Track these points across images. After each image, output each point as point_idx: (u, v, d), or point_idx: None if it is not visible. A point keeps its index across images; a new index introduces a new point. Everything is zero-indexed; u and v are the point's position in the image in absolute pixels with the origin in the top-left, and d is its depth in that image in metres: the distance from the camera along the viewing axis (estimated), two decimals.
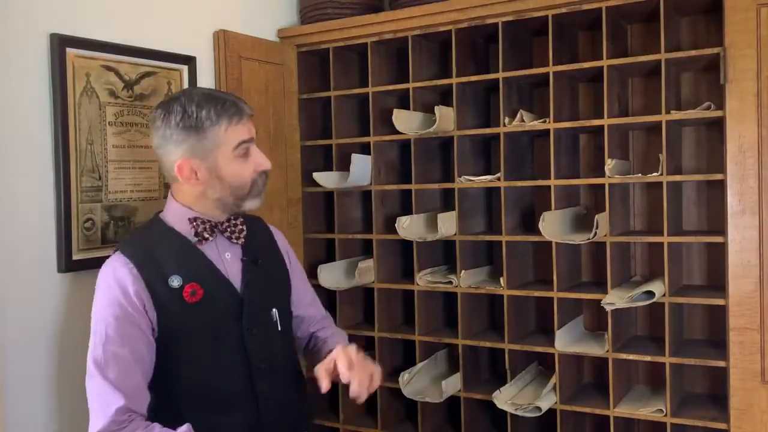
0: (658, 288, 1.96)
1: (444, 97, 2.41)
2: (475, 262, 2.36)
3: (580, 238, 2.02)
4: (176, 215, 1.56)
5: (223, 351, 1.51)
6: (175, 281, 1.48)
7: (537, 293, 2.18)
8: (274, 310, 1.62)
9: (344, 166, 2.40)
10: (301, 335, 1.81)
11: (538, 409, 2.06)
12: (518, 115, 2.16)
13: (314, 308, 1.84)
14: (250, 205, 1.59)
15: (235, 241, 1.59)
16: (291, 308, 1.72)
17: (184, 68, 2.14)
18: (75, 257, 1.82)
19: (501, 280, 2.19)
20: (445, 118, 2.22)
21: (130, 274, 1.46)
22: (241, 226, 1.61)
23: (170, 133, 1.50)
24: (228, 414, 1.51)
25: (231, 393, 1.52)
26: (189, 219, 1.54)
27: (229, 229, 1.59)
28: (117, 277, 1.46)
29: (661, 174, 1.98)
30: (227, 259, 1.58)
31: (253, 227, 1.67)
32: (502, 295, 2.21)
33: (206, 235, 1.54)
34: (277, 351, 1.61)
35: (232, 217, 1.60)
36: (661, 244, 2.00)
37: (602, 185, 2.08)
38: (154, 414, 1.46)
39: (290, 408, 1.64)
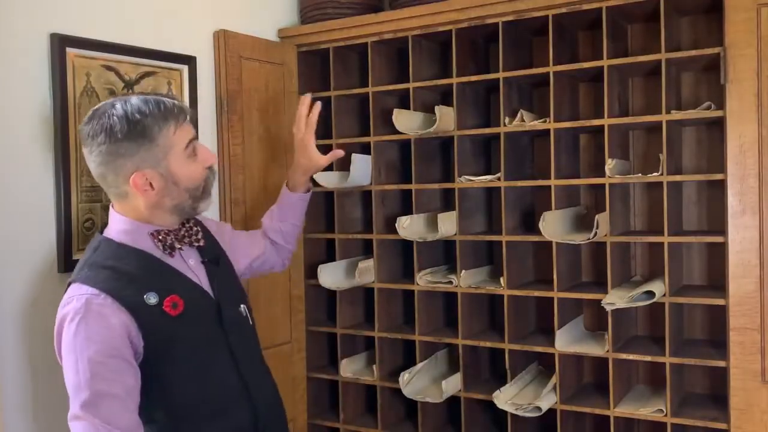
0: (658, 288, 1.96)
1: (444, 97, 2.41)
2: (475, 262, 2.36)
3: (580, 238, 2.01)
4: (131, 233, 1.47)
5: (212, 356, 1.50)
6: (152, 298, 1.42)
7: (537, 293, 2.18)
8: (242, 306, 1.62)
9: (344, 166, 2.40)
10: (263, 250, 1.89)
11: (539, 409, 2.06)
12: (518, 115, 2.16)
13: (254, 237, 1.91)
14: (204, 207, 1.54)
15: (196, 243, 1.55)
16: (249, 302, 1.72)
17: (184, 68, 2.14)
18: (75, 257, 1.82)
19: (501, 280, 2.19)
20: (446, 118, 2.22)
21: (106, 305, 1.38)
22: (196, 228, 1.57)
23: (117, 145, 1.40)
24: (228, 418, 1.50)
25: (228, 395, 1.51)
26: (151, 234, 1.48)
27: (187, 234, 1.54)
28: (94, 311, 1.38)
29: (662, 174, 1.98)
30: (192, 265, 1.54)
31: (200, 226, 1.62)
32: (502, 295, 2.21)
33: (176, 246, 1.49)
34: (254, 346, 1.63)
35: (185, 222, 1.55)
36: (662, 244, 2.00)
37: (602, 185, 2.08)
38: (148, 413, 1.44)
39: (275, 401, 1.65)
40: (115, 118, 1.40)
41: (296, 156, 1.96)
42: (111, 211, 1.51)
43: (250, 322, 1.64)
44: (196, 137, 1.51)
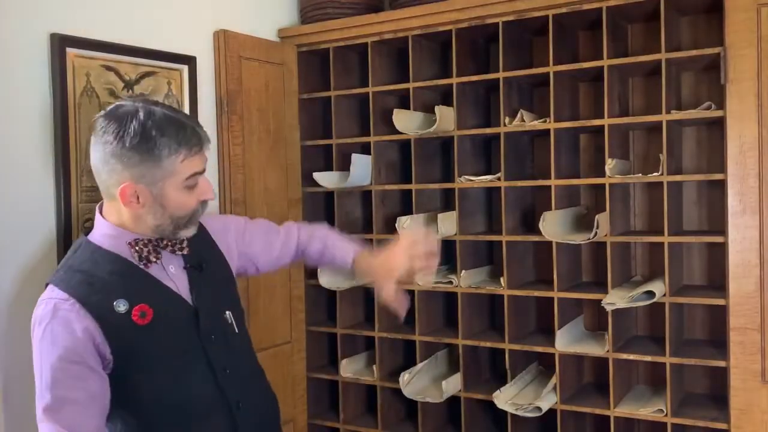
0: (658, 288, 1.96)
1: (444, 97, 2.41)
2: (475, 262, 2.36)
3: (580, 238, 2.01)
4: (111, 238, 1.45)
5: (186, 365, 1.47)
6: (122, 306, 1.41)
7: (537, 293, 2.18)
8: (227, 312, 1.57)
9: (344, 166, 2.40)
10: (287, 261, 1.83)
11: (539, 409, 2.06)
12: (518, 115, 2.16)
13: (277, 237, 1.81)
14: (185, 234, 1.49)
15: (179, 252, 1.51)
16: (242, 306, 1.68)
17: (184, 68, 2.14)
18: None
19: (501, 280, 2.19)
20: (446, 118, 2.22)
21: (72, 310, 1.37)
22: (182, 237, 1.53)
23: (122, 152, 1.37)
24: (204, 426, 1.48)
25: (203, 404, 1.49)
26: (129, 243, 1.45)
27: (170, 244, 1.50)
28: (59, 316, 1.37)
29: (662, 174, 1.98)
30: (172, 272, 1.51)
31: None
32: (502, 295, 2.21)
33: (152, 259, 1.47)
34: (239, 353, 1.58)
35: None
36: (662, 244, 2.00)
37: (602, 185, 2.08)
38: (125, 423, 1.44)
39: (262, 407, 1.61)
40: (132, 126, 1.38)
41: (381, 266, 1.70)
42: (96, 213, 1.49)
43: (236, 330, 1.59)
44: (203, 170, 1.46)
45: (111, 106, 1.44)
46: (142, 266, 1.46)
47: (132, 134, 1.37)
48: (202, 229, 1.63)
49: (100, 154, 1.41)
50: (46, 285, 1.43)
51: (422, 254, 1.64)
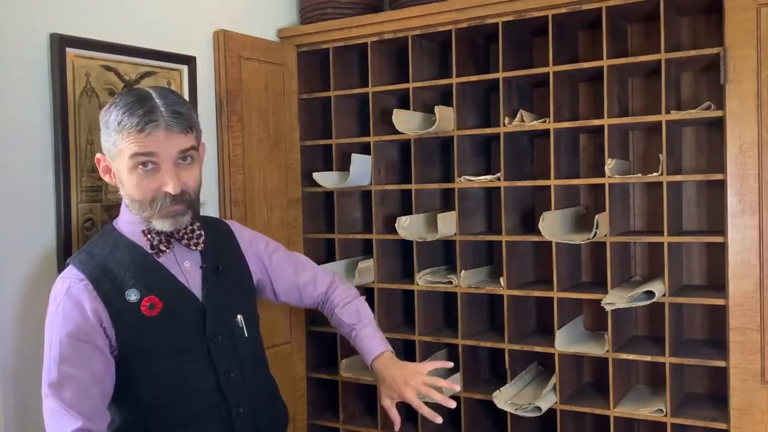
0: (658, 288, 1.96)
1: (444, 97, 2.41)
2: (475, 262, 2.36)
3: (580, 238, 2.01)
4: (130, 225, 1.49)
5: (188, 363, 1.47)
6: (133, 295, 1.42)
7: (537, 293, 2.18)
8: (239, 316, 1.57)
9: (344, 166, 2.40)
10: (308, 302, 1.85)
11: (538, 409, 2.06)
12: (518, 115, 2.16)
13: (306, 272, 1.83)
14: (158, 225, 1.46)
15: (194, 248, 1.52)
16: (257, 312, 1.68)
17: (184, 68, 2.14)
18: None
19: (501, 280, 2.19)
20: (445, 118, 2.22)
21: (85, 290, 1.40)
22: (198, 231, 1.52)
23: (101, 121, 1.47)
24: (200, 427, 1.48)
25: (201, 405, 1.49)
26: (143, 231, 1.47)
27: (186, 236, 1.50)
28: (72, 294, 1.40)
29: (661, 174, 1.98)
30: (186, 267, 1.52)
31: (212, 232, 1.60)
32: (502, 295, 2.21)
33: (162, 248, 1.48)
34: (247, 358, 1.57)
35: (188, 224, 1.51)
36: (661, 244, 2.00)
37: (602, 185, 2.08)
38: (124, 421, 1.45)
39: (264, 415, 1.60)
40: (116, 97, 1.45)
41: (389, 381, 1.76)
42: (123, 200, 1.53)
43: (246, 334, 1.58)
44: (149, 154, 1.40)
45: None
46: (154, 256, 1.48)
47: (108, 104, 1.46)
48: (229, 236, 1.67)
49: None
50: (67, 264, 1.48)
51: (426, 389, 1.73)
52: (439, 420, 1.69)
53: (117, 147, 1.42)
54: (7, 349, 1.71)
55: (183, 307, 1.49)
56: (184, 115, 1.44)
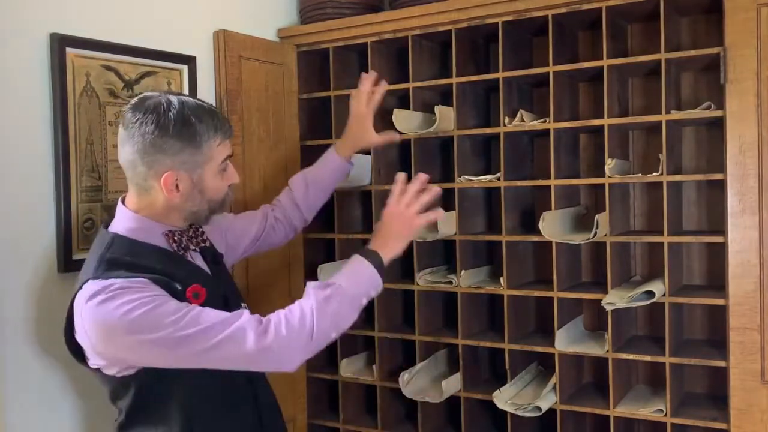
0: (658, 288, 1.96)
1: (444, 97, 2.41)
2: (475, 262, 2.36)
3: (580, 238, 2.01)
4: (144, 231, 1.45)
5: None
6: (178, 285, 1.42)
7: (537, 293, 2.18)
8: (243, 305, 1.62)
9: None
10: (257, 227, 1.89)
11: (538, 409, 2.06)
12: (518, 115, 2.16)
13: (251, 217, 1.92)
14: (217, 219, 1.61)
15: (203, 244, 1.57)
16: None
17: (184, 68, 2.14)
18: (75, 257, 1.82)
19: (501, 280, 2.19)
20: (445, 118, 2.22)
21: (146, 282, 1.35)
22: (201, 229, 1.58)
23: (164, 140, 1.38)
24: (238, 417, 1.51)
25: (237, 395, 1.52)
26: (164, 234, 1.46)
27: (194, 235, 1.55)
28: (133, 286, 1.33)
29: (661, 174, 1.98)
30: (199, 264, 1.56)
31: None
32: (502, 295, 2.21)
33: (191, 246, 1.52)
34: None
35: (192, 224, 1.55)
36: (661, 244, 2.00)
37: (602, 185, 2.08)
38: (163, 423, 1.43)
39: (277, 403, 1.66)
40: (171, 113, 1.39)
41: (351, 127, 1.99)
42: (120, 206, 1.47)
43: None
44: (231, 155, 1.53)
45: (136, 99, 1.45)
46: (180, 254, 1.49)
47: (173, 121, 1.39)
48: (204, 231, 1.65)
49: (140, 146, 1.40)
50: (85, 282, 1.36)
51: (362, 91, 1.93)
52: (397, 137, 2.02)
53: (206, 156, 1.44)
54: (7, 349, 1.71)
55: (216, 296, 1.51)
56: None
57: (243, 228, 1.86)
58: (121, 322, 1.30)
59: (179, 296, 1.41)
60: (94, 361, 1.41)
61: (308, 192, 1.98)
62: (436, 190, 1.69)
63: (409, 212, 1.64)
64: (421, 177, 1.67)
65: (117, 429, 1.48)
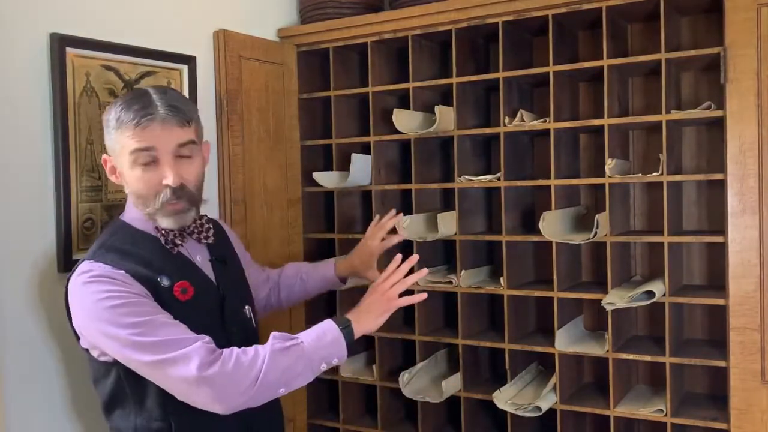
0: (658, 288, 1.96)
1: (444, 96, 2.41)
2: (475, 262, 2.36)
3: (580, 238, 2.01)
4: (141, 221, 1.52)
5: None
6: (165, 281, 1.44)
7: (537, 293, 2.18)
8: (247, 307, 1.63)
9: (344, 165, 2.40)
10: (263, 293, 1.91)
11: (538, 409, 2.06)
12: (518, 115, 2.16)
13: (264, 272, 1.95)
14: (163, 223, 1.50)
15: (204, 241, 1.57)
16: (255, 306, 1.75)
17: (184, 68, 2.14)
18: (75, 257, 1.82)
19: (501, 280, 2.19)
20: (445, 118, 2.22)
21: (126, 276, 1.40)
22: (207, 225, 1.58)
23: (103, 120, 1.50)
24: (219, 420, 1.47)
25: None
26: (155, 227, 1.50)
27: (196, 231, 1.56)
28: (112, 278, 1.39)
29: (662, 174, 1.98)
30: (199, 261, 1.57)
31: (214, 228, 1.65)
32: (502, 295, 2.21)
33: (177, 242, 1.52)
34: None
35: (197, 219, 1.57)
36: (662, 243, 2.00)
37: (602, 185, 2.08)
38: (141, 413, 1.45)
39: (270, 408, 1.61)
40: (118, 100, 1.48)
41: (356, 257, 1.98)
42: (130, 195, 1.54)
43: (254, 325, 1.66)
44: (148, 148, 1.43)
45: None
46: (168, 247, 1.50)
47: (110, 106, 1.49)
48: (222, 231, 1.72)
49: None
50: (83, 261, 1.45)
51: (384, 226, 1.95)
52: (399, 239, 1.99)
53: (118, 144, 1.46)
54: (7, 349, 1.71)
55: (207, 294, 1.52)
56: (181, 109, 1.47)
57: (256, 284, 1.86)
58: (94, 307, 1.37)
59: (163, 292, 1.43)
60: (82, 340, 1.47)
61: (296, 283, 1.97)
62: (423, 271, 1.72)
63: (391, 293, 1.59)
64: (413, 259, 1.66)
65: (102, 409, 1.54)
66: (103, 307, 1.36)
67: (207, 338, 1.38)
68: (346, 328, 1.49)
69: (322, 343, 1.44)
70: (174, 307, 1.44)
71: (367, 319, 1.55)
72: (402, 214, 2.08)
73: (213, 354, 1.35)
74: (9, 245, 1.71)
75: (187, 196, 1.49)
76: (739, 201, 1.86)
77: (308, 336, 1.45)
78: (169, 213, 1.48)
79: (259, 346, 1.40)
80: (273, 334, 1.43)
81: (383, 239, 1.98)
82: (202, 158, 1.55)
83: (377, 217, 2.11)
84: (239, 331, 1.58)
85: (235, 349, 1.38)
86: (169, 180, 1.44)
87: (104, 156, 1.52)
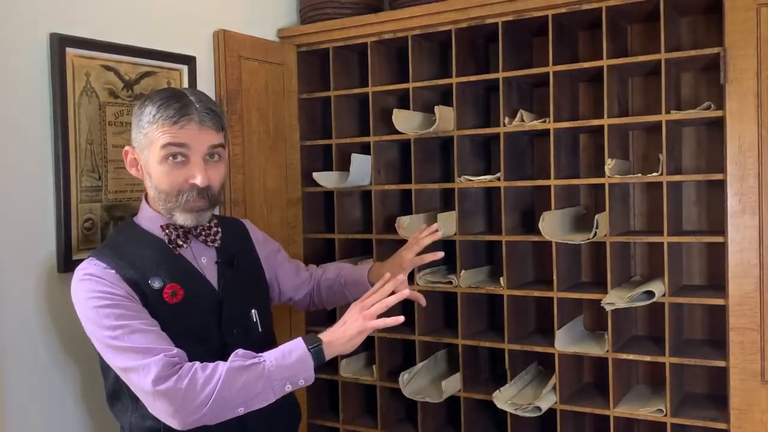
0: (658, 288, 1.96)
1: (444, 97, 2.41)
2: (475, 262, 2.36)
3: (580, 238, 2.01)
4: (150, 220, 1.55)
5: (203, 354, 1.47)
6: (156, 282, 1.46)
7: (537, 293, 2.18)
8: (253, 310, 1.62)
9: (344, 166, 2.40)
10: (302, 295, 1.89)
11: (538, 409, 2.06)
12: (518, 115, 2.16)
13: (303, 272, 1.92)
14: (180, 220, 1.51)
15: (211, 244, 1.58)
16: (270, 309, 1.75)
17: (184, 68, 2.14)
18: (75, 257, 1.82)
19: (501, 280, 2.19)
20: (445, 118, 2.22)
21: (115, 277, 1.44)
22: (216, 228, 1.59)
23: (133, 116, 1.54)
24: None
25: None
26: (161, 226, 1.53)
27: (203, 233, 1.57)
28: (102, 278, 1.43)
29: (661, 174, 1.98)
30: (203, 263, 1.57)
31: (229, 230, 1.66)
32: (502, 295, 2.21)
33: (180, 242, 1.53)
34: (260, 352, 1.56)
35: (208, 220, 1.58)
36: (661, 244, 2.00)
37: (602, 185, 2.08)
38: (136, 410, 1.46)
39: (276, 411, 1.57)
40: (155, 91, 1.54)
41: (389, 264, 1.87)
42: (143, 195, 1.59)
43: (260, 329, 1.63)
44: (181, 145, 1.46)
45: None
46: (173, 252, 1.52)
47: (139, 104, 1.53)
48: (242, 230, 1.73)
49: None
50: (88, 257, 1.50)
51: (421, 242, 1.86)
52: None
53: (149, 138, 1.48)
54: (7, 349, 1.71)
55: (202, 297, 1.53)
56: (218, 113, 1.53)
57: (293, 283, 1.86)
58: (83, 305, 1.43)
59: (151, 294, 1.45)
60: None
61: (335, 285, 1.92)
62: (404, 293, 1.57)
63: (370, 312, 1.52)
64: (399, 279, 1.59)
65: (106, 400, 1.57)
66: (90, 306, 1.41)
67: (174, 350, 1.37)
68: (315, 348, 1.43)
69: (286, 362, 1.40)
70: (162, 310, 1.46)
71: (341, 339, 1.49)
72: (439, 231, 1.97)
73: (171, 368, 1.34)
74: (9, 245, 1.71)
75: (210, 196, 1.52)
76: (739, 201, 1.86)
77: (272, 355, 1.41)
78: (189, 209, 1.51)
79: (221, 363, 1.39)
80: (236, 351, 1.41)
81: (418, 254, 1.87)
82: (227, 163, 1.61)
83: (423, 226, 2.01)
84: (241, 336, 1.57)
85: (196, 364, 1.37)
86: (198, 180, 1.48)
87: (126, 147, 1.56)
